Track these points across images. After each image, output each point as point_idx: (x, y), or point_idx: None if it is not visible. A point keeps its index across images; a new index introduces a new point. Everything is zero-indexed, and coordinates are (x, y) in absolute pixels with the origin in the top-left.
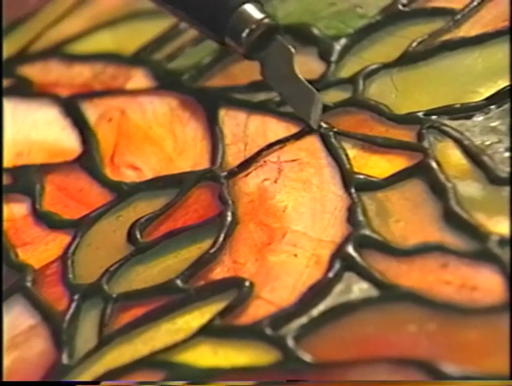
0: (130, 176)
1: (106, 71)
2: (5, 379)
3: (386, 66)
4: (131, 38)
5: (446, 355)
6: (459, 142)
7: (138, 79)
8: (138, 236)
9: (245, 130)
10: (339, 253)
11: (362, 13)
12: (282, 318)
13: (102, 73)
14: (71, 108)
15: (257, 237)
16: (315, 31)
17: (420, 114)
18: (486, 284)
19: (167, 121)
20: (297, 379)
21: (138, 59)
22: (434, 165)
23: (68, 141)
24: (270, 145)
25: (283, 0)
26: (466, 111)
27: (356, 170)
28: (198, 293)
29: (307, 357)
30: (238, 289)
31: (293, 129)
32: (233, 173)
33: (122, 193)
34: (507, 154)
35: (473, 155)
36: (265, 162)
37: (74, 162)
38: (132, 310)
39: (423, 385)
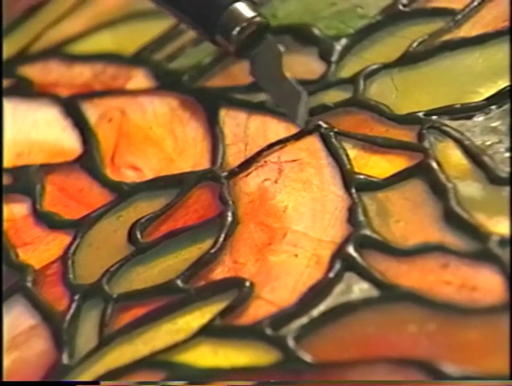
0: (130, 176)
1: (106, 72)
2: (5, 379)
3: (387, 66)
4: (131, 38)
5: (446, 355)
6: (459, 142)
7: (139, 79)
8: (139, 237)
9: (245, 130)
10: (339, 253)
11: (363, 13)
12: (282, 318)
13: (102, 73)
14: (71, 109)
15: (257, 237)
16: (316, 31)
17: (421, 114)
18: (486, 284)
19: (168, 122)
20: (297, 380)
21: (139, 59)
22: (434, 165)
23: (68, 141)
24: (271, 146)
25: (284, 0)
26: (466, 111)
27: (356, 170)
28: (198, 294)
29: (307, 357)
30: (239, 290)
31: (293, 130)
32: (234, 173)
33: (123, 193)
34: (507, 154)
35: (474, 155)
36: (265, 162)
37: (74, 163)
38: (132, 310)
39: (423, 385)
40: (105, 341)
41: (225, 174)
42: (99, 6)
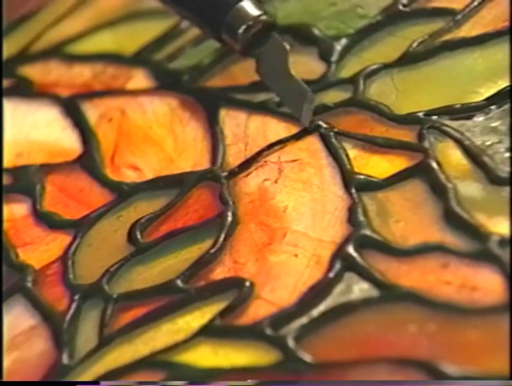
0: (130, 176)
1: (106, 72)
2: (5, 379)
3: (387, 66)
4: (131, 38)
5: (446, 355)
6: (459, 142)
7: (139, 79)
8: (139, 237)
9: (245, 130)
10: (339, 253)
11: (363, 13)
12: (282, 318)
13: (102, 73)
14: (71, 109)
15: (257, 237)
16: (316, 31)
17: (421, 114)
18: (486, 284)
19: (168, 121)
20: (297, 380)
21: (139, 59)
22: (434, 165)
23: (68, 141)
24: (271, 146)
25: (284, 0)
26: (466, 111)
27: (356, 170)
28: (198, 294)
29: (307, 357)
30: (239, 290)
31: (293, 130)
32: (234, 173)
33: (123, 193)
34: (507, 155)
35: (474, 155)
36: (265, 162)
37: (74, 163)
38: (132, 311)
39: (423, 385)
40: (105, 341)
41: (225, 174)
42: (99, 6)
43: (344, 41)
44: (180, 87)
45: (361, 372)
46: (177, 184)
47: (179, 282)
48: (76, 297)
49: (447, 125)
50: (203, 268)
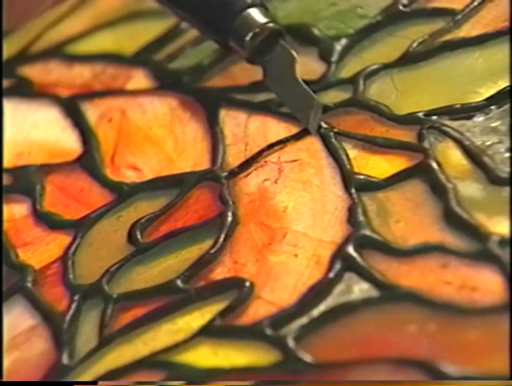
0: (130, 176)
1: (106, 72)
2: (5, 379)
3: (387, 66)
4: (131, 38)
5: (446, 355)
6: (459, 143)
7: (139, 79)
8: (139, 237)
9: (245, 130)
10: (339, 254)
11: (363, 13)
12: (282, 318)
13: (102, 73)
14: (71, 109)
15: (257, 237)
16: (316, 32)
17: (421, 114)
18: (486, 284)
19: (168, 122)
20: (297, 380)
21: (139, 59)
22: (434, 165)
23: (68, 141)
24: (271, 146)
25: (284, 0)
26: (466, 111)
27: (356, 170)
28: (198, 294)
29: (307, 357)
30: (239, 290)
31: (293, 130)
32: (234, 173)
33: (123, 193)
34: (507, 155)
35: (474, 155)
36: (265, 162)
37: (74, 163)
38: (132, 311)
39: (423, 385)
40: (105, 341)
41: (225, 174)
42: (99, 6)
43: (344, 41)
44: (180, 87)
45: (361, 372)
46: (177, 184)
47: (179, 282)
48: (76, 297)
49: (447, 125)
50: (203, 268)
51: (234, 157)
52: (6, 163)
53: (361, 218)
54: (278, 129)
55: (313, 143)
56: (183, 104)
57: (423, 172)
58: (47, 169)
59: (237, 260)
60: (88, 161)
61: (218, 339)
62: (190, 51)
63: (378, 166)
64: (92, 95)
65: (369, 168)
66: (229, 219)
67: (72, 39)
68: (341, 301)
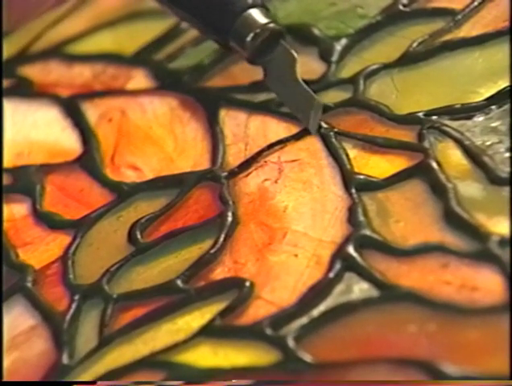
0: (130, 176)
1: (107, 72)
2: (5, 379)
3: (387, 66)
4: (131, 38)
5: (446, 355)
6: (459, 143)
7: (139, 79)
8: (139, 237)
9: (245, 130)
10: (339, 253)
11: (363, 13)
12: (282, 318)
13: (103, 73)
14: (71, 109)
15: (257, 237)
16: (316, 31)
17: (421, 114)
18: (486, 284)
19: (168, 122)
20: (297, 380)
21: (139, 59)
22: (434, 165)
23: (68, 141)
24: (271, 146)
25: (284, 0)
26: (467, 111)
27: (356, 170)
28: (198, 294)
29: (307, 357)
30: (239, 290)
31: (293, 130)
32: (234, 173)
33: (123, 193)
34: (508, 155)
35: (474, 155)
36: (265, 162)
37: (74, 163)
38: (132, 311)
39: (423, 385)
40: (105, 341)
41: (225, 174)
42: (99, 6)
43: (344, 41)
44: (180, 87)
45: (361, 372)
46: (177, 184)
47: (179, 282)
48: (76, 297)
49: (447, 125)
50: (203, 268)
51: (234, 157)
52: (6, 163)
53: (361, 218)
54: (278, 128)
55: (313, 143)
56: (183, 104)
57: (423, 172)
58: (47, 169)
59: (237, 260)
60: (88, 161)
61: (218, 339)
62: (190, 51)
63: (378, 165)
64: (92, 95)
65: (369, 168)
66: (229, 219)
67: (72, 39)
68: (341, 301)
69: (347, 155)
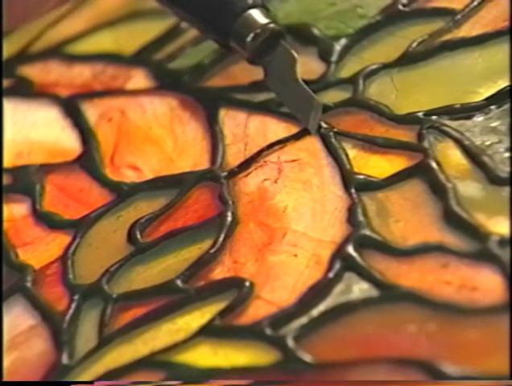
0: (130, 176)
1: (106, 72)
2: (5, 379)
3: (386, 66)
4: (131, 38)
5: (446, 355)
6: (459, 142)
7: (138, 79)
8: (139, 237)
9: (245, 130)
10: (339, 253)
11: (362, 13)
12: (282, 318)
13: (102, 73)
14: (71, 109)
15: (257, 237)
16: (316, 31)
17: (420, 114)
18: (486, 284)
19: (167, 121)
20: (297, 380)
21: (139, 59)
22: (434, 165)
23: (68, 141)
24: (271, 146)
25: (283, 0)
26: (466, 111)
27: (356, 170)
28: (198, 294)
29: (307, 357)
30: (238, 290)
31: (293, 130)
32: (233, 173)
33: (122, 193)
34: (507, 154)
35: (473, 155)
36: (265, 162)
37: (74, 163)
38: (132, 310)
39: (423, 385)
40: (105, 341)
41: (225, 174)
42: (99, 6)
43: (343, 41)
44: (180, 87)
45: (361, 372)
46: (177, 184)
47: (178, 282)
48: (76, 297)
49: (446, 125)
50: (203, 268)
51: (234, 157)
52: (6, 163)
53: (361, 218)
54: (277, 128)
55: (313, 143)
56: (182, 104)
57: (422, 172)
58: (47, 169)
59: (237, 259)
60: (87, 161)
61: (218, 339)
62: (190, 51)
63: (378, 165)
64: (91, 95)
65: (368, 168)
66: (229, 218)
67: (71, 38)
68: (341, 301)
69: (347, 155)
